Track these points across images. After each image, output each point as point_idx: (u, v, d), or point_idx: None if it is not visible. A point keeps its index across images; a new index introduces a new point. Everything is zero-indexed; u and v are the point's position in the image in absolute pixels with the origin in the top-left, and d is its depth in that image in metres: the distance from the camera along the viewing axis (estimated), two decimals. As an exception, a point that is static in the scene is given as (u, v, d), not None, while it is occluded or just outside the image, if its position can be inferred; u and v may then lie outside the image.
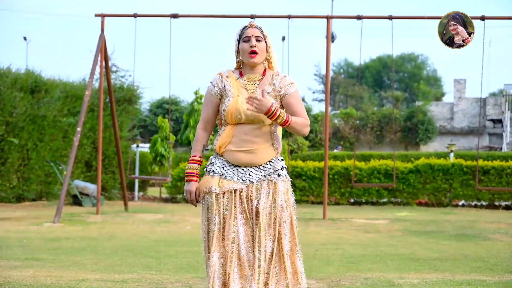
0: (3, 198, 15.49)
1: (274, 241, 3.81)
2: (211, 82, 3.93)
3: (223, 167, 3.89)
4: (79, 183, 15.70)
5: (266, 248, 3.78)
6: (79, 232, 10.49)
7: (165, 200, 17.94)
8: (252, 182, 3.85)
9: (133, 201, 17.45)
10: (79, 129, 12.30)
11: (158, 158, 18.00)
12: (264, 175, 3.87)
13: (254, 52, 3.86)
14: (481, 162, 16.50)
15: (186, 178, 3.92)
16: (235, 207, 3.82)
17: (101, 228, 11.13)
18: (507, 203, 16.39)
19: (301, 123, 3.85)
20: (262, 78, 3.91)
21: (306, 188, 16.83)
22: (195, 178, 3.92)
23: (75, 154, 12.25)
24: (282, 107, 3.91)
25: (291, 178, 4.00)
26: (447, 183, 16.57)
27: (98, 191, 13.29)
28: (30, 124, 15.83)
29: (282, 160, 3.94)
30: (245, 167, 3.86)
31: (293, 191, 3.92)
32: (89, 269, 6.74)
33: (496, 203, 16.45)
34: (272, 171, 3.87)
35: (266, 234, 3.80)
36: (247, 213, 3.83)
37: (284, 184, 3.87)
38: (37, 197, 16.29)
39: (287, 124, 3.79)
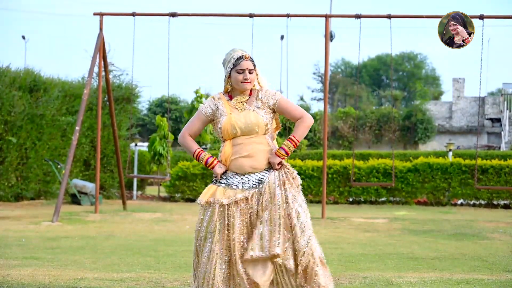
0: (2, 197, 15.47)
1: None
2: (204, 103, 4.36)
3: (228, 178, 4.26)
4: (78, 182, 15.69)
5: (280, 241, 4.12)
6: (77, 231, 10.48)
7: (164, 199, 17.93)
8: (256, 188, 4.21)
9: (131, 200, 17.44)
10: (77, 128, 12.29)
11: (156, 157, 17.99)
12: (265, 180, 4.24)
13: (248, 82, 4.28)
14: (479, 161, 16.50)
15: (209, 166, 4.30)
16: (233, 218, 4.16)
17: (99, 227, 11.13)
18: (505, 202, 16.40)
19: (303, 127, 4.29)
20: (249, 97, 4.34)
21: (305, 187, 16.82)
22: (215, 161, 4.33)
23: (73, 153, 12.24)
24: (273, 112, 4.33)
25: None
26: (445, 182, 16.57)
27: (97, 190, 13.28)
28: (29, 123, 15.81)
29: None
30: (249, 174, 4.22)
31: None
32: (87, 268, 6.74)
33: (495, 202, 16.45)
34: (273, 176, 4.24)
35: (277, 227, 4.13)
36: (246, 225, 4.19)
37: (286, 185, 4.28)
38: (36, 196, 16.27)
39: (297, 145, 4.25)
